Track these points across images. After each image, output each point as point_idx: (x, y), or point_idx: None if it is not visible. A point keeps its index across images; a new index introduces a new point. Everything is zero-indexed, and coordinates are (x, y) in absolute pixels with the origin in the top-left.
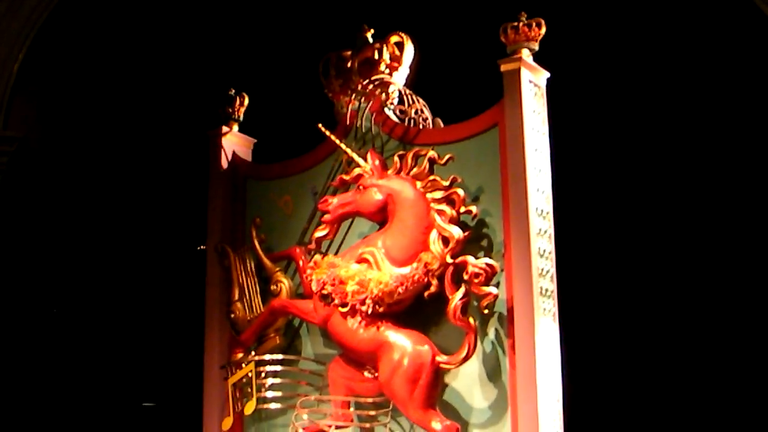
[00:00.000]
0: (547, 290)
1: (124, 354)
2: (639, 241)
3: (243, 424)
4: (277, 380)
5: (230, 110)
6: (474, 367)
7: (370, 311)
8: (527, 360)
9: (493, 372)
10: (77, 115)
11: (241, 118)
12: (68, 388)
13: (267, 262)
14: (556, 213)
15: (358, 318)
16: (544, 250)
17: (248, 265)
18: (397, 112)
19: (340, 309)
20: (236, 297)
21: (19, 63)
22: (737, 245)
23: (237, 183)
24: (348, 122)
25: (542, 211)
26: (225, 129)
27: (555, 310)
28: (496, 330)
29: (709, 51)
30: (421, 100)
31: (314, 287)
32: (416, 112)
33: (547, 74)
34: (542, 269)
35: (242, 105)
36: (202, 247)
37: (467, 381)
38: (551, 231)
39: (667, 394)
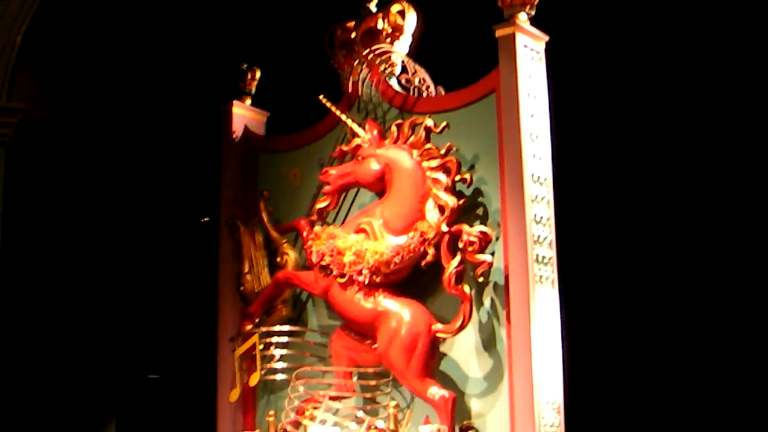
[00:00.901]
0: (544, 257)
1: (136, 327)
2: (646, 208)
3: (255, 395)
4: (283, 351)
5: (242, 84)
6: (470, 336)
7: (367, 281)
8: (522, 329)
9: (488, 342)
10: (84, 88)
11: (254, 92)
12: (82, 363)
13: (274, 234)
14: (559, 180)
15: (356, 288)
16: (542, 217)
17: (257, 238)
18: (403, 81)
19: (338, 280)
20: (246, 270)
21: (22, 34)
22: (740, 212)
23: (249, 156)
24: (351, 93)
25: (539, 177)
26: (236, 103)
27: (554, 277)
28: (492, 299)
29: (715, 13)
30: (422, 69)
31: (314, 258)
32: (419, 81)
33: (546, 38)
34: (539, 236)
35: (254, 79)
36: (206, 219)
37: (464, 351)
38: (550, 197)
39: (671, 365)
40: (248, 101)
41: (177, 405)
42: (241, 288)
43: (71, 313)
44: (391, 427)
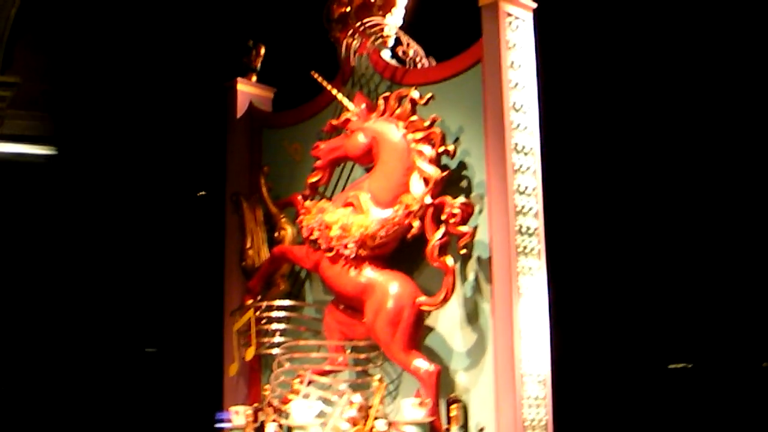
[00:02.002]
0: (529, 228)
1: (142, 301)
2: (636, 178)
3: (260, 369)
4: (280, 326)
5: (248, 61)
6: (455, 310)
7: (353, 255)
8: (504, 301)
9: (472, 315)
10: (85, 64)
11: (259, 69)
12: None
13: (273, 209)
14: (548, 149)
15: (343, 262)
16: (526, 187)
17: (257, 213)
18: (400, 53)
19: (326, 254)
20: (248, 245)
21: (16, 7)
22: (725, 184)
23: (253, 133)
24: (346, 66)
25: (524, 147)
26: (240, 80)
27: (540, 247)
28: (476, 273)
29: None
30: (414, 42)
31: (304, 233)
32: (413, 53)
33: (534, 6)
34: (523, 206)
35: (259, 55)
36: (202, 193)
37: (449, 325)
38: (536, 167)
39: (663, 335)
40: (254, 78)
41: (179, 379)
42: (243, 263)
43: (73, 289)
44: (376, 401)
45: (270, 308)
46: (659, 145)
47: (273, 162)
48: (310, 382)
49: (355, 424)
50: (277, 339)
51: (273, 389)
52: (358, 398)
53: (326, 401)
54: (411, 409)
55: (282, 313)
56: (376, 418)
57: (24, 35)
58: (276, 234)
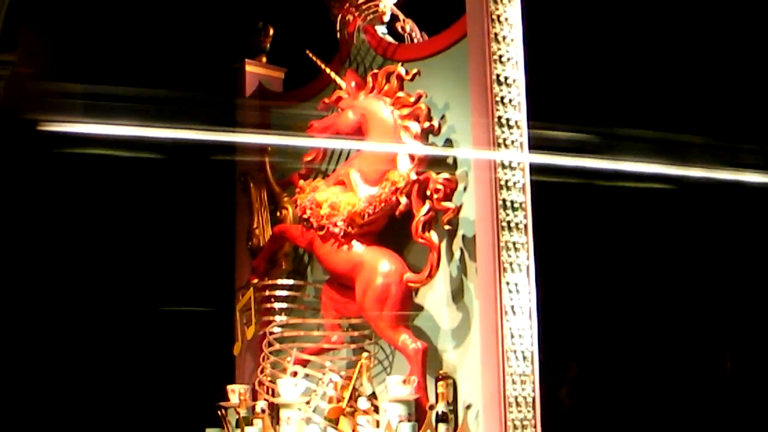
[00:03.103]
0: (514, 202)
1: (157, 281)
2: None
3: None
4: (282, 305)
5: (257, 42)
6: (442, 288)
7: (342, 233)
8: (488, 277)
9: (457, 293)
10: (90, 42)
11: (269, 49)
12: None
13: (276, 188)
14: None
15: (333, 240)
16: (510, 161)
17: (262, 194)
18: (399, 29)
19: (318, 232)
20: (255, 225)
21: None
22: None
23: (263, 113)
24: (344, 43)
25: (509, 120)
26: (249, 61)
27: (527, 222)
28: (462, 250)
29: None
30: (409, 19)
31: (298, 212)
32: (410, 29)
33: None
34: (507, 180)
35: (268, 36)
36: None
37: (436, 303)
38: (523, 140)
39: (652, 311)
40: (264, 59)
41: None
42: (250, 243)
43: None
44: (354, 378)
45: (269, 287)
46: (650, 119)
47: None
48: (302, 362)
49: (331, 402)
50: (281, 318)
51: (263, 368)
52: (336, 377)
53: (313, 379)
54: (396, 386)
55: (284, 293)
56: (359, 397)
57: (27, 15)
58: (278, 213)
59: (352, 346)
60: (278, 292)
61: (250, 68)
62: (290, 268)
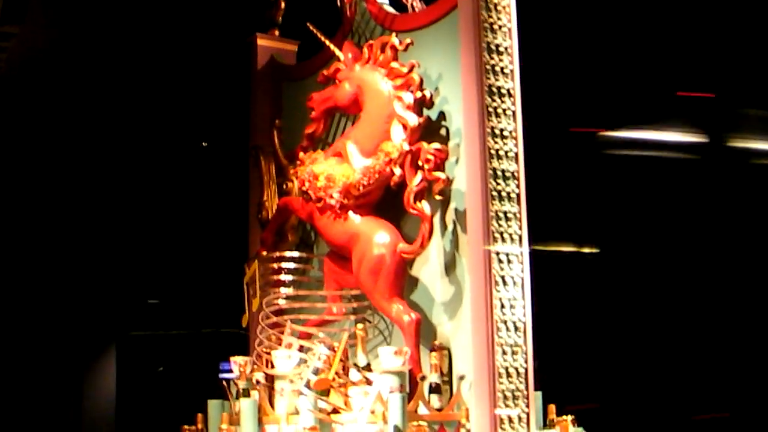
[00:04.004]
0: (505, 171)
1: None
2: (620, 112)
3: None
4: (289, 277)
5: (270, 15)
6: (436, 261)
7: (338, 205)
8: (477, 245)
9: (450, 266)
10: (103, 13)
11: (281, 22)
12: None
13: (284, 161)
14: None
15: (330, 212)
16: (502, 130)
17: (271, 166)
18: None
19: (316, 204)
20: (265, 198)
21: None
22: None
23: (275, 86)
24: (346, 14)
25: (500, 88)
26: (260, 35)
27: (519, 191)
28: (454, 222)
29: None
30: None
31: (297, 184)
32: None
33: None
34: (498, 149)
35: (280, 10)
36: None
37: (430, 275)
38: (515, 109)
39: (645, 286)
40: (277, 32)
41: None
42: (259, 216)
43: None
44: (340, 350)
45: (276, 260)
46: (641, 87)
47: (292, 114)
48: (305, 334)
49: (317, 374)
50: (287, 290)
51: (261, 340)
52: (323, 349)
53: (307, 351)
54: (388, 357)
55: (291, 265)
56: (351, 368)
57: None
58: (284, 186)
59: (352, 317)
60: (284, 264)
61: (262, 42)
62: (297, 240)
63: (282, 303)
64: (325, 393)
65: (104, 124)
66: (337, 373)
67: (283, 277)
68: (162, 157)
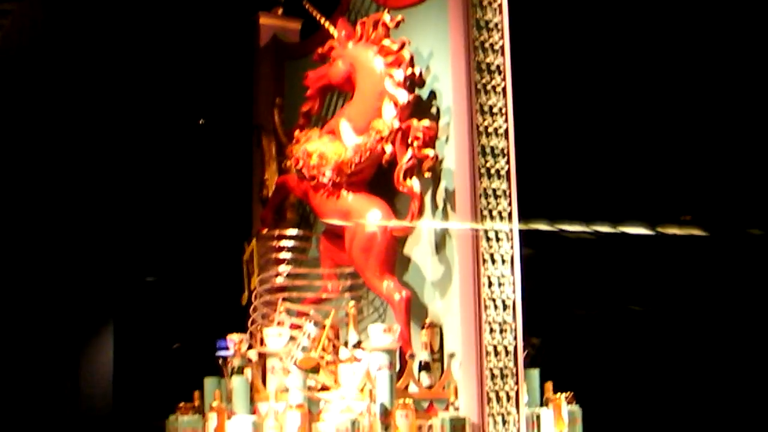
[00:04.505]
0: (494, 148)
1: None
2: (615, 91)
3: None
4: (288, 255)
5: None
6: (425, 240)
7: (331, 183)
8: (465, 222)
9: (440, 244)
10: None
11: (284, 1)
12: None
13: (284, 140)
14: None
15: (323, 190)
16: (492, 106)
17: (272, 145)
18: None
19: (310, 182)
20: (267, 176)
21: None
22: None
23: (278, 65)
24: None
25: (490, 65)
26: (263, 14)
27: (508, 167)
28: (444, 201)
29: None
30: None
31: (292, 163)
32: None
33: None
34: (487, 125)
35: None
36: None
37: (421, 254)
38: (505, 85)
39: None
40: (281, 11)
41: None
42: (260, 194)
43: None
44: (327, 327)
45: (275, 238)
46: (635, 68)
47: (295, 93)
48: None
49: (306, 352)
50: (285, 268)
51: (254, 320)
52: (311, 327)
53: (298, 328)
54: (378, 335)
55: (290, 243)
56: (341, 346)
57: None
58: (283, 164)
59: (346, 295)
60: (283, 243)
61: (265, 20)
62: (297, 219)
63: (279, 281)
64: (315, 371)
65: (104, 102)
66: (324, 350)
67: (282, 255)
68: (165, 136)
